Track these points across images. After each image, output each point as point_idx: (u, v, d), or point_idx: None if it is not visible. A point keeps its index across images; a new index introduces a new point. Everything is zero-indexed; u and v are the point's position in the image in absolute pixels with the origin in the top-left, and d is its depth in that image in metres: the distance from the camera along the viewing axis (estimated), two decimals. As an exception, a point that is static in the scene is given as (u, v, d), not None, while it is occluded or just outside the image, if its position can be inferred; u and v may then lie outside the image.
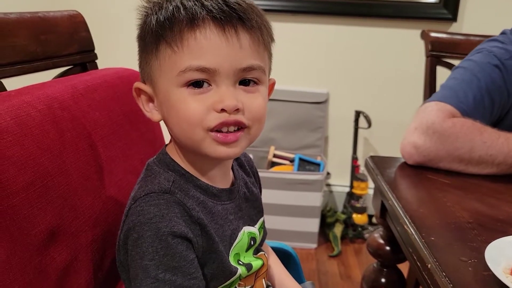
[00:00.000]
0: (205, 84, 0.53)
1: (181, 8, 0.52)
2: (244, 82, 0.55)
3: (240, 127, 0.55)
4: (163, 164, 0.60)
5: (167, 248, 0.52)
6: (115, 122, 0.75)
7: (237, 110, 0.53)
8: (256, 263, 0.66)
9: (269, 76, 0.62)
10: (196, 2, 0.52)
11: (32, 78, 0.72)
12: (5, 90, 0.65)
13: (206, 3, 0.52)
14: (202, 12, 0.51)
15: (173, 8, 0.52)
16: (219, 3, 0.52)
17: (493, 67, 0.92)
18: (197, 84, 0.53)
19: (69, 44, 0.82)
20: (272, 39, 0.59)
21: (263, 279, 0.69)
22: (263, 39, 0.56)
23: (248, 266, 0.64)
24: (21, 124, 0.54)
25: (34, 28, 0.74)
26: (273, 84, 0.65)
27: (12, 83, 0.67)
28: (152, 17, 0.54)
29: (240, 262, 0.63)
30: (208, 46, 0.52)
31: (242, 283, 0.64)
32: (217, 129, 0.54)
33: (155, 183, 0.56)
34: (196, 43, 0.52)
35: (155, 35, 0.54)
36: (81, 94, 0.69)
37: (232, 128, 0.54)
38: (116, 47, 1.80)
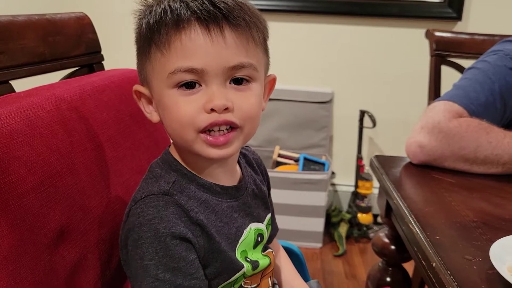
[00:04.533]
0: (196, 85, 0.54)
1: (168, 11, 0.53)
2: (236, 81, 0.55)
3: (231, 127, 0.56)
4: (166, 164, 0.61)
5: (166, 249, 0.53)
6: (122, 122, 0.76)
7: (226, 110, 0.54)
8: (263, 262, 0.66)
9: (267, 73, 0.62)
10: (182, 4, 0.53)
11: (40, 80, 0.73)
12: (14, 91, 0.66)
13: (191, 4, 0.52)
14: (187, 13, 0.52)
15: (161, 11, 0.53)
16: (205, 3, 0.52)
17: (509, 70, 0.91)
18: (188, 85, 0.54)
19: (76, 45, 0.83)
20: (266, 36, 0.60)
21: (269, 278, 0.70)
22: (252, 36, 0.56)
23: (255, 264, 0.64)
24: (31, 125, 0.55)
25: (42, 30, 0.74)
26: (274, 80, 0.64)
27: (20, 84, 0.68)
28: (144, 20, 0.55)
29: (247, 259, 0.64)
30: (194, 47, 0.52)
31: (248, 281, 0.65)
32: (208, 129, 0.54)
33: (155, 185, 0.57)
34: (182, 45, 0.52)
35: (146, 38, 0.55)
36: (89, 95, 0.70)
37: (223, 128, 0.55)
38: (120, 48, 1.81)
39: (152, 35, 0.54)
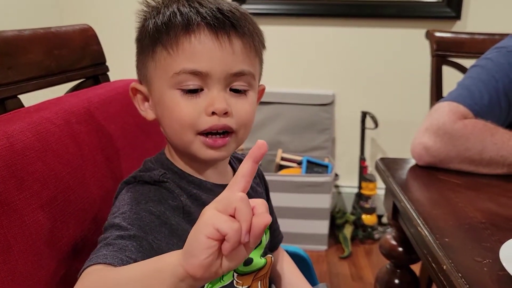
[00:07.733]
0: (198, 89, 0.55)
1: (177, 14, 0.54)
2: (235, 90, 0.57)
3: (227, 131, 0.57)
4: (158, 162, 0.62)
5: (138, 213, 0.53)
6: (129, 133, 0.77)
7: (226, 114, 0.55)
8: (258, 261, 0.66)
9: (259, 82, 0.64)
10: (191, 9, 0.54)
11: (45, 92, 0.74)
12: (23, 105, 0.67)
13: (201, 10, 0.54)
14: (197, 18, 0.54)
15: (170, 14, 0.55)
16: (213, 10, 0.54)
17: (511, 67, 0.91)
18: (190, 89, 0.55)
19: (81, 57, 0.83)
20: (264, 47, 0.62)
21: (259, 282, 0.69)
22: (255, 45, 0.58)
23: (248, 260, 0.64)
24: (42, 140, 0.55)
25: (48, 43, 0.75)
26: (263, 90, 0.67)
27: (26, 98, 0.69)
28: (150, 21, 0.57)
29: None
30: (202, 50, 0.54)
31: (240, 281, 0.64)
32: (207, 132, 0.56)
33: (146, 175, 0.58)
34: (191, 46, 0.54)
35: (152, 38, 0.56)
36: (96, 108, 0.71)
37: (221, 131, 0.56)
38: (124, 58, 1.81)
39: (159, 36, 0.55)
